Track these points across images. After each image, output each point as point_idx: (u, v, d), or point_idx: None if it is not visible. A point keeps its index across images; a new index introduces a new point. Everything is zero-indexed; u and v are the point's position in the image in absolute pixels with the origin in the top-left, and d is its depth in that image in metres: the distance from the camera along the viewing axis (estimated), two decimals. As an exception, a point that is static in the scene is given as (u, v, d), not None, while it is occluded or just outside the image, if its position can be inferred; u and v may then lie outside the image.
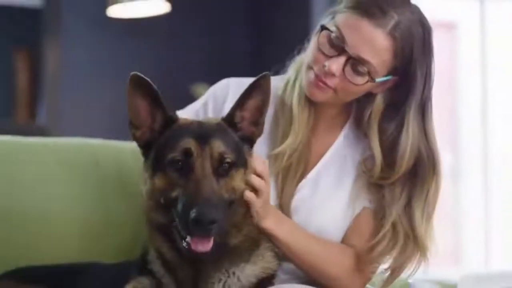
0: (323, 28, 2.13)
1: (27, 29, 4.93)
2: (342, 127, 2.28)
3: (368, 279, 2.24)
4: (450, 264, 3.67)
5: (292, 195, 2.21)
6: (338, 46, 2.11)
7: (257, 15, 5.32)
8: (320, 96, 2.17)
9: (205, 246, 1.88)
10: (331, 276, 2.16)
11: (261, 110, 2.05)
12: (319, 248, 2.15)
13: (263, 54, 5.13)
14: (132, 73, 1.97)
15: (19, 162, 2.37)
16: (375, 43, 2.09)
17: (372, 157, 2.19)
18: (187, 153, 1.92)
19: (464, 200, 3.53)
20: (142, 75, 1.97)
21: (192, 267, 1.99)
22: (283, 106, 2.25)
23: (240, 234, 2.02)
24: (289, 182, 2.21)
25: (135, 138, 2.02)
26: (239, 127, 2.04)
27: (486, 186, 3.38)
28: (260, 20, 5.29)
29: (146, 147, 2.02)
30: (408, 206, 2.16)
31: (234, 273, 2.01)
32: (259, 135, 2.07)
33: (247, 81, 2.24)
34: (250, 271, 2.03)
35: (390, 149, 2.17)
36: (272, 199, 2.17)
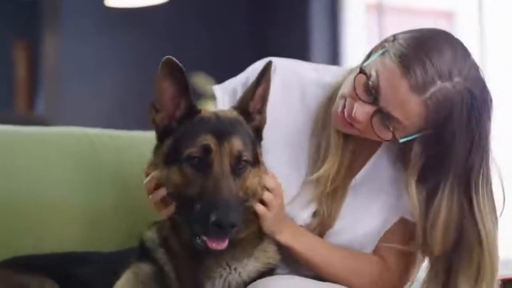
0: (362, 71, 2.01)
1: (27, 20, 4.93)
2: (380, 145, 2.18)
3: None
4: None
5: (338, 213, 2.15)
6: (372, 94, 1.99)
7: (258, 2, 5.30)
8: (344, 130, 2.09)
9: (221, 245, 1.87)
10: (358, 285, 2.12)
11: (264, 98, 2.04)
12: (340, 259, 2.11)
13: (263, 42, 5.13)
14: (167, 56, 1.96)
15: (18, 151, 2.37)
16: (407, 106, 1.96)
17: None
18: (206, 150, 1.90)
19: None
20: (176, 60, 1.95)
21: (194, 260, 1.98)
22: (324, 127, 2.15)
23: (248, 229, 2.01)
24: (337, 202, 2.15)
25: (153, 122, 2.00)
26: (252, 117, 2.03)
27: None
28: (260, 8, 5.28)
29: (162, 133, 2.00)
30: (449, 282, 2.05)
31: (236, 269, 1.99)
32: (264, 124, 2.05)
33: (295, 68, 2.25)
34: (252, 267, 2.01)
35: (423, 215, 2.04)
36: (315, 206, 2.13)
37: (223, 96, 2.24)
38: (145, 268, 2.02)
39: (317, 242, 2.12)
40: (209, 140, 1.91)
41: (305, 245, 2.08)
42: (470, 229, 2.01)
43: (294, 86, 2.22)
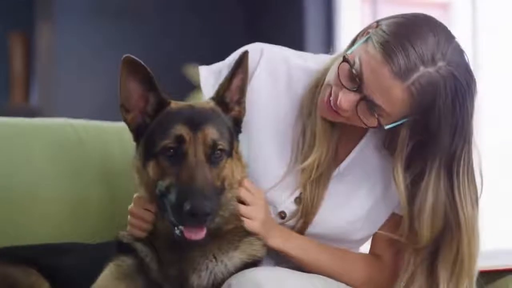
0: (345, 60, 2.00)
1: (22, 12, 4.92)
2: (367, 130, 2.17)
3: (396, 282, 2.14)
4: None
5: (323, 194, 2.14)
6: (356, 82, 1.98)
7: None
8: (330, 118, 2.09)
9: (199, 234, 1.86)
10: (351, 284, 2.12)
11: (242, 89, 2.02)
12: (331, 259, 2.11)
13: (256, 31, 5.10)
14: (125, 55, 1.94)
15: (4, 141, 2.36)
16: (390, 93, 1.95)
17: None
18: (180, 140, 1.89)
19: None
20: (135, 58, 1.93)
21: (179, 252, 1.97)
22: (310, 113, 2.14)
23: (231, 219, 2.00)
24: (321, 189, 2.14)
25: (126, 122, 1.99)
26: (230, 108, 2.02)
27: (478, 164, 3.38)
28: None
29: (137, 131, 1.99)
30: (432, 267, 2.05)
31: (222, 261, 1.99)
32: (243, 114, 2.04)
33: (281, 52, 2.23)
34: (238, 259, 2.00)
35: (409, 197, 2.04)
36: (297, 193, 2.13)
37: (207, 77, 2.22)
38: (128, 260, 2.01)
39: (308, 243, 2.12)
40: (182, 130, 1.89)
41: (296, 247, 2.09)
42: (451, 213, 2.01)
43: (281, 71, 2.20)
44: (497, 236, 3.28)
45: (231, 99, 2.02)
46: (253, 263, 2.02)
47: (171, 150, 1.89)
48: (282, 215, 2.15)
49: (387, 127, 2.01)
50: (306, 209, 2.13)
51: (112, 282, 1.99)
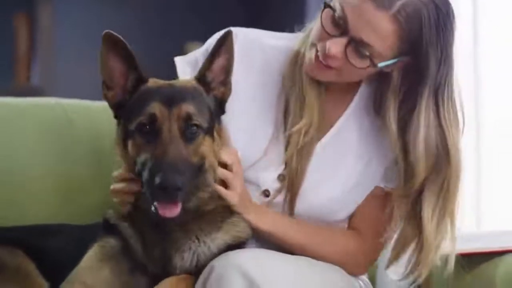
0: (327, 5, 2.01)
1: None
2: (350, 101, 2.19)
3: (373, 260, 2.21)
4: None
5: (305, 168, 2.14)
6: (340, 26, 1.98)
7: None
8: (321, 77, 2.08)
9: (173, 211, 1.85)
10: (328, 259, 2.11)
11: (227, 69, 2.01)
12: (305, 235, 2.11)
13: (259, 11, 5.08)
14: (105, 31, 1.93)
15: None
16: (378, 26, 1.96)
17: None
18: (153, 117, 1.88)
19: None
20: (116, 34, 1.92)
21: (162, 233, 1.97)
22: (294, 81, 2.14)
23: (212, 200, 1.99)
24: (304, 156, 2.14)
25: (106, 99, 1.99)
26: (212, 87, 2.00)
27: (478, 145, 3.34)
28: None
29: (117, 109, 1.99)
30: (418, 201, 2.06)
31: (205, 242, 1.98)
32: (229, 95, 2.03)
33: (259, 36, 2.23)
34: (221, 240, 2.00)
35: (401, 134, 2.06)
36: (279, 170, 2.13)
37: (184, 67, 2.22)
38: (112, 241, 2.01)
39: (281, 220, 2.11)
40: (156, 107, 1.88)
41: (269, 223, 2.08)
42: (440, 144, 2.02)
43: (256, 53, 2.20)
44: (500, 216, 3.25)
45: (213, 78, 2.00)
46: (238, 245, 2.02)
47: (146, 127, 1.88)
48: (266, 193, 2.15)
49: (380, 64, 2.01)
50: (291, 183, 2.12)
51: (96, 263, 1.99)
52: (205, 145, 1.93)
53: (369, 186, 2.16)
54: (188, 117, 1.89)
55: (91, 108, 2.50)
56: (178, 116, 1.89)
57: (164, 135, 1.87)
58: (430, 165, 2.03)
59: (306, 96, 2.12)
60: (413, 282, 2.14)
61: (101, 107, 2.45)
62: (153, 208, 1.86)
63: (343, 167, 2.16)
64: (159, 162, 1.83)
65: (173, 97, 1.91)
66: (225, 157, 2.00)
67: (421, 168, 2.02)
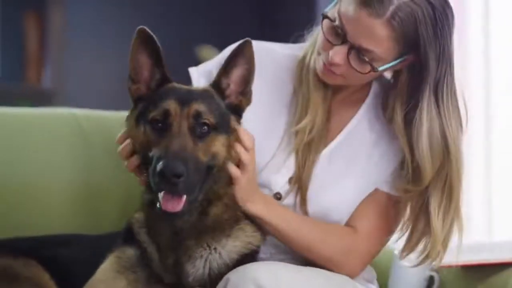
0: (325, 16, 2.09)
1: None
2: (362, 102, 2.25)
3: (369, 260, 2.22)
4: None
5: (311, 170, 2.17)
6: (340, 35, 2.06)
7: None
8: (331, 81, 2.15)
9: (176, 206, 1.86)
10: (325, 256, 2.13)
11: (247, 79, 2.03)
12: (310, 230, 2.12)
13: (269, 15, 5.08)
14: (140, 27, 1.98)
15: (6, 131, 2.38)
16: (373, 33, 2.02)
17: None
18: (166, 113, 1.92)
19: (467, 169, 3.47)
20: (149, 30, 1.97)
21: (175, 240, 1.98)
22: (301, 83, 2.21)
23: (221, 203, 2.00)
24: (311, 157, 2.17)
25: (130, 92, 2.03)
26: (227, 95, 2.02)
27: (488, 153, 3.35)
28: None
29: (137, 101, 2.02)
30: (425, 197, 2.10)
31: (216, 249, 1.99)
32: (247, 104, 2.05)
33: (269, 46, 2.29)
34: (231, 246, 2.01)
35: (407, 132, 2.10)
36: (290, 173, 2.16)
37: (198, 78, 2.27)
38: (128, 251, 2.03)
39: (288, 213, 2.12)
40: (170, 104, 1.93)
41: (277, 216, 2.08)
42: (442, 140, 2.07)
43: (268, 59, 2.25)
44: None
45: (229, 86, 2.03)
46: (250, 254, 2.03)
47: (159, 123, 1.92)
48: (277, 196, 2.17)
49: (381, 68, 2.07)
50: (301, 185, 2.16)
51: (111, 274, 2.01)
52: (217, 144, 1.95)
53: (372, 187, 2.19)
54: (198, 115, 1.92)
55: (104, 118, 2.52)
56: (188, 113, 1.92)
57: (173, 130, 1.91)
58: (436, 162, 2.07)
59: (311, 97, 2.18)
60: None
61: (115, 116, 2.47)
62: (158, 204, 1.88)
63: (354, 169, 2.19)
64: (164, 153, 1.86)
65: (187, 97, 1.95)
66: (245, 138, 2.01)
67: (427, 165, 2.07)
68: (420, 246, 2.13)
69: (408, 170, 2.10)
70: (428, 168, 2.07)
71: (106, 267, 2.01)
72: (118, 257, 2.02)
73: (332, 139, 2.21)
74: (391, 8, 2.00)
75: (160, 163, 1.82)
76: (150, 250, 2.01)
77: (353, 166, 2.19)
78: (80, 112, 2.50)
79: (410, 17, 2.02)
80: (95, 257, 2.05)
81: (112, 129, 2.43)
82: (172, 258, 1.99)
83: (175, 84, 2.02)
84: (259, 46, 2.21)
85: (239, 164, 2.01)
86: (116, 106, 2.54)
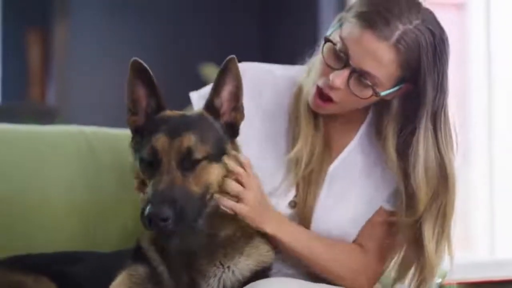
0: (327, 40, 2.08)
1: (40, 8, 4.92)
2: (358, 127, 2.25)
3: (376, 279, 2.23)
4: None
5: (315, 200, 2.18)
6: (342, 58, 2.05)
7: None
8: (323, 111, 2.15)
9: (169, 241, 1.94)
10: (338, 275, 2.15)
11: (237, 95, 2.03)
12: (323, 249, 2.14)
13: (272, 33, 5.11)
14: (133, 59, 1.99)
15: (14, 149, 2.39)
16: (378, 56, 2.03)
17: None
18: (155, 152, 1.92)
19: (470, 186, 3.49)
20: (142, 62, 1.99)
21: (187, 259, 1.99)
22: (295, 110, 2.21)
23: (232, 222, 2.01)
24: (313, 188, 2.18)
25: (128, 122, 2.04)
26: (221, 113, 2.03)
27: (491, 171, 3.36)
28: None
29: (135, 133, 2.03)
30: (418, 225, 2.10)
31: (229, 268, 2.00)
32: (241, 119, 2.05)
33: (265, 68, 2.30)
34: (244, 265, 2.02)
35: (401, 159, 2.11)
36: (290, 196, 2.17)
37: (198, 101, 2.27)
38: (139, 269, 2.03)
39: (301, 231, 2.14)
40: (159, 140, 1.92)
41: (290, 234, 2.10)
42: (439, 168, 2.09)
43: (267, 84, 2.26)
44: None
45: (222, 105, 2.03)
46: (262, 271, 2.04)
47: (148, 160, 1.93)
48: None
49: (383, 93, 2.07)
50: (302, 210, 2.17)
51: (125, 292, 2.02)
52: (209, 173, 1.95)
53: (377, 206, 2.21)
54: (188, 150, 1.92)
55: (113, 136, 2.52)
56: (178, 149, 1.92)
57: (162, 168, 1.91)
58: (431, 190, 2.09)
59: (302, 127, 2.18)
60: None
61: (123, 134, 2.48)
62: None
63: (353, 193, 2.20)
64: (152, 194, 1.87)
65: (178, 129, 1.94)
66: (232, 165, 2.00)
67: (422, 193, 2.08)
68: (411, 271, 2.15)
69: (403, 197, 2.12)
70: (423, 196, 2.08)
71: (118, 284, 2.02)
72: (130, 275, 2.03)
73: (330, 164, 2.22)
74: (397, 32, 2.02)
75: (148, 207, 1.84)
76: (161, 268, 2.02)
77: (352, 190, 2.20)
78: (89, 129, 2.51)
79: (415, 43, 2.03)
80: (106, 274, 2.04)
81: (121, 146, 2.44)
82: (185, 276, 2.00)
83: (168, 113, 2.02)
84: (259, 72, 2.26)
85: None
86: (120, 123, 2.55)
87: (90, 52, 4.93)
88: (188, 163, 1.92)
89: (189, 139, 1.92)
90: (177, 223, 1.85)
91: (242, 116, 2.05)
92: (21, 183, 2.37)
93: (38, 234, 2.35)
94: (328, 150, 2.21)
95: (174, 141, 1.92)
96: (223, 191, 1.98)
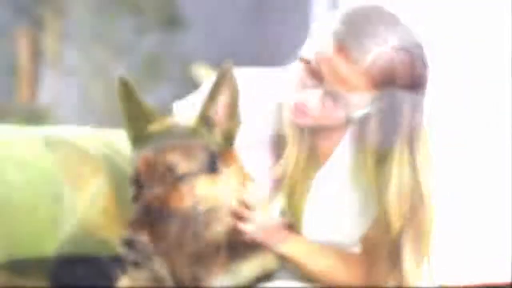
0: (302, 59, 2.06)
1: (29, 8, 4.92)
2: (345, 131, 2.19)
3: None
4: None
5: (303, 207, 2.17)
6: (317, 77, 2.03)
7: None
8: (301, 122, 2.12)
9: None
10: (349, 280, 2.14)
11: (232, 105, 2.01)
12: (331, 261, 2.13)
13: (263, 31, 5.11)
14: (119, 76, 2.01)
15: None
16: (351, 79, 2.00)
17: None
18: (138, 174, 1.93)
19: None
20: (126, 77, 2.01)
21: (186, 264, 1.98)
22: (279, 117, 2.19)
23: (232, 232, 2.00)
24: (300, 196, 2.17)
25: (128, 137, 2.04)
26: (216, 122, 2.01)
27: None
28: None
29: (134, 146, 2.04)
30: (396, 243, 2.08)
31: (233, 272, 2.00)
32: (237, 127, 2.04)
33: (249, 71, 2.24)
34: (246, 272, 2.01)
35: (376, 179, 2.08)
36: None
37: (184, 110, 2.22)
38: (141, 272, 2.00)
39: (314, 248, 2.12)
40: (143, 159, 1.93)
41: (305, 252, 2.09)
42: (415, 190, 2.06)
43: (258, 89, 2.22)
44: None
45: (217, 114, 2.01)
46: (266, 276, 2.04)
47: (134, 182, 1.94)
48: None
49: (355, 114, 2.05)
50: (290, 219, 2.14)
51: (127, 296, 2.01)
52: (202, 186, 1.93)
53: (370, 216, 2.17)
54: (172, 167, 1.91)
55: (104, 137, 2.48)
56: (162, 165, 1.91)
57: (146, 188, 1.91)
58: (404, 213, 2.06)
59: (287, 134, 2.15)
60: None
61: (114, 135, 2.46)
62: None
63: (343, 198, 2.16)
64: (132, 220, 1.87)
65: (163, 146, 1.94)
66: (245, 197, 2.02)
67: (394, 217, 2.05)
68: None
69: (378, 215, 2.10)
70: (395, 219, 2.05)
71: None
72: (133, 278, 2.02)
73: (315, 173, 2.19)
74: (370, 55, 1.99)
75: (124, 238, 1.85)
76: (163, 273, 1.99)
77: (342, 193, 2.17)
78: (79, 129, 2.48)
79: (389, 65, 2.00)
80: (108, 278, 2.06)
81: (117, 148, 2.43)
82: (188, 281, 1.99)
83: (156, 127, 2.00)
84: (249, 78, 2.21)
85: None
86: (114, 123, 2.54)
87: (82, 53, 4.93)
88: (174, 179, 1.90)
89: (174, 157, 1.91)
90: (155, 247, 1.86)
91: (239, 124, 2.03)
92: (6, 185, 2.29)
93: (38, 239, 2.32)
94: (314, 157, 2.17)
95: (159, 159, 1.92)
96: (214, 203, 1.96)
